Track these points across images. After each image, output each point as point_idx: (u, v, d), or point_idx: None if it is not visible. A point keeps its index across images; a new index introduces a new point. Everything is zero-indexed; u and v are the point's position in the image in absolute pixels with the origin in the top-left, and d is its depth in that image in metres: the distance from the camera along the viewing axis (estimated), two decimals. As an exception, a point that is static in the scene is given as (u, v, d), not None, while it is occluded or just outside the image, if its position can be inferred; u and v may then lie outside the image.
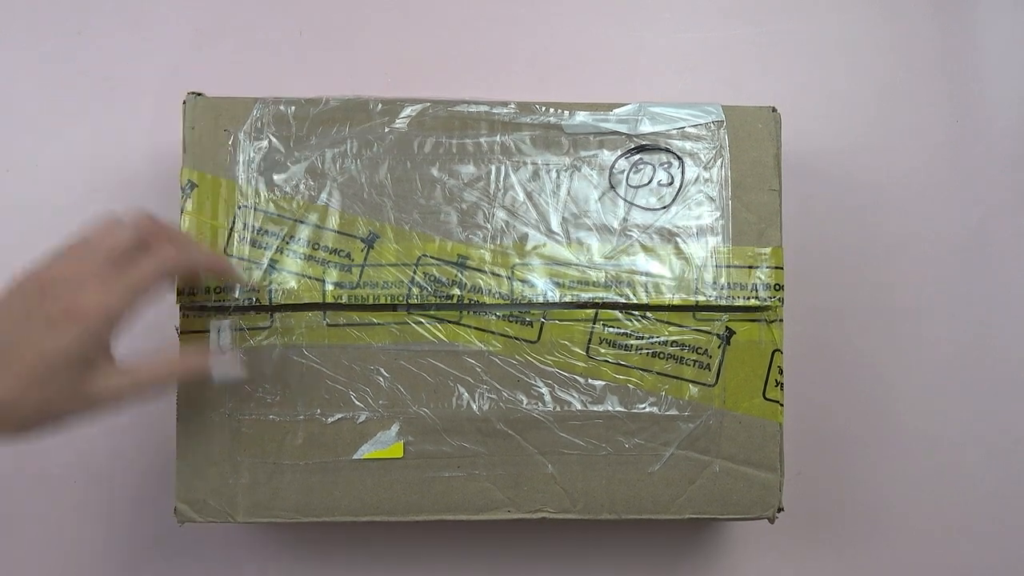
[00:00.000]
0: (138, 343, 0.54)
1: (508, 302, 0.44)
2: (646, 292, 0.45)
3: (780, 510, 0.45)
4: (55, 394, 0.34)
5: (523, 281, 0.44)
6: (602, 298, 0.44)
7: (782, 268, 0.46)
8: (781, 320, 0.45)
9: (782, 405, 0.45)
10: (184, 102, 0.45)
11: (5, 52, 0.56)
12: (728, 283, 0.45)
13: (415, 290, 0.44)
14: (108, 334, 0.36)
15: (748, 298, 0.45)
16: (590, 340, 0.44)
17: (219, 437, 0.44)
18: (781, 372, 0.45)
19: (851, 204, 0.57)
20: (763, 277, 0.45)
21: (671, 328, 0.45)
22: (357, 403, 0.44)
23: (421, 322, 0.44)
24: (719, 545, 0.56)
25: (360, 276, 0.44)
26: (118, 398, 0.37)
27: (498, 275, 0.44)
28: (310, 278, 0.44)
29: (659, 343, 0.44)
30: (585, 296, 0.44)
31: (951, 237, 0.57)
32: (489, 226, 0.45)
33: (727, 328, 0.45)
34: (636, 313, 0.45)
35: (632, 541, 0.55)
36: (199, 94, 0.46)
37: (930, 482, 0.56)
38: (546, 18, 0.58)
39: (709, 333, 0.45)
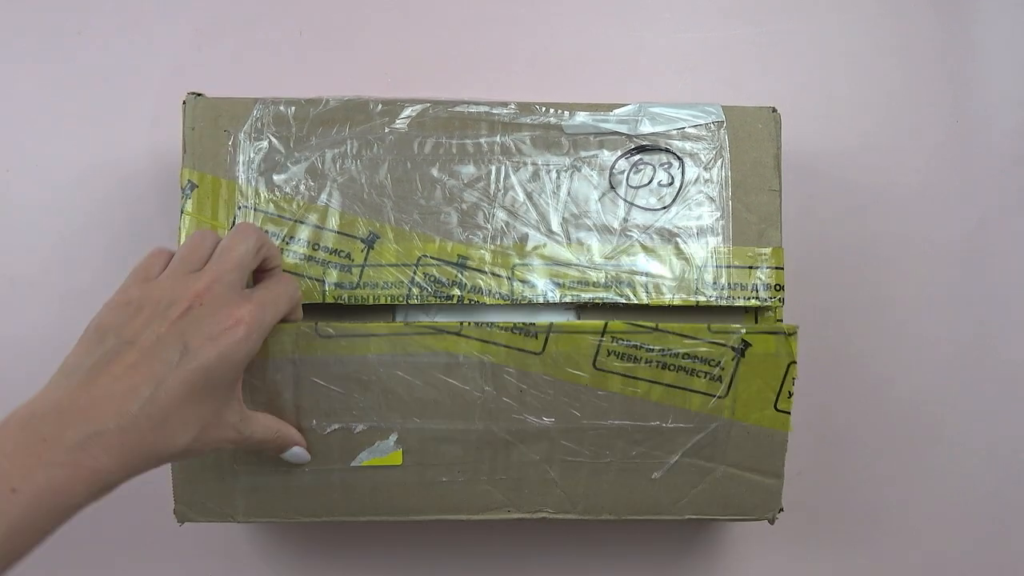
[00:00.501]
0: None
1: (508, 302, 0.44)
2: (646, 292, 0.45)
3: (780, 510, 0.45)
4: (211, 416, 0.34)
5: (523, 281, 0.44)
6: (602, 298, 0.44)
7: (782, 268, 0.46)
8: (795, 333, 0.45)
9: (790, 414, 0.45)
10: (184, 102, 0.45)
11: (5, 52, 0.56)
12: (728, 283, 0.45)
13: (415, 290, 0.44)
14: (247, 358, 0.35)
15: (748, 298, 0.45)
16: (597, 352, 0.43)
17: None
18: (794, 383, 0.45)
19: (851, 204, 0.57)
20: (763, 277, 0.45)
21: (685, 341, 0.44)
22: (354, 413, 0.43)
23: (420, 333, 0.43)
24: (719, 545, 0.56)
25: (360, 276, 0.44)
26: (240, 437, 0.36)
27: (498, 275, 0.44)
28: (310, 278, 0.44)
29: (670, 355, 0.44)
30: (586, 296, 0.44)
31: (951, 237, 0.57)
32: (489, 226, 0.45)
33: (743, 341, 0.44)
34: (646, 326, 0.44)
35: (632, 541, 0.55)
36: (199, 94, 0.46)
37: (930, 482, 0.56)
38: (546, 18, 0.58)
39: (723, 345, 0.44)
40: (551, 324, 0.43)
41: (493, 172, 0.45)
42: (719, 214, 0.46)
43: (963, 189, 0.57)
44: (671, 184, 0.46)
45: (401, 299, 0.44)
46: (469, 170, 0.45)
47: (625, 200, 0.46)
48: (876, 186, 0.57)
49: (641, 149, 0.46)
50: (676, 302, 0.45)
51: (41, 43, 0.56)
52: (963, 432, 0.56)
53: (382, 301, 0.44)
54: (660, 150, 0.46)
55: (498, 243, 0.45)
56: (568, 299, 0.44)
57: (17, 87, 0.56)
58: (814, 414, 0.55)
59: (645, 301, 0.44)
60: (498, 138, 0.46)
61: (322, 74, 0.56)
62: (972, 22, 0.59)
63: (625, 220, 0.45)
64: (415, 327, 0.43)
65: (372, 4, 0.57)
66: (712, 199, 0.46)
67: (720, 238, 0.45)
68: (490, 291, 0.44)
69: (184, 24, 0.56)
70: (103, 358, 0.31)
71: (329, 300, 0.44)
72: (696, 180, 0.46)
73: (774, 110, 0.47)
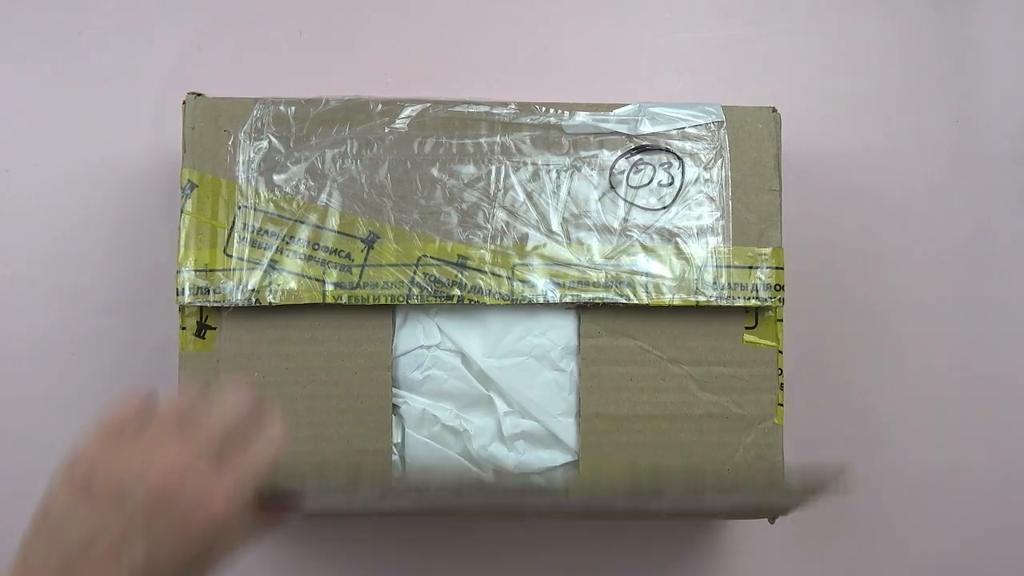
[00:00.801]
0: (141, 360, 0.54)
1: (508, 302, 0.44)
2: (646, 292, 0.45)
3: (780, 510, 0.45)
4: None
5: (523, 281, 0.44)
6: (602, 298, 0.44)
7: (782, 268, 0.46)
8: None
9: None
10: (184, 102, 0.45)
11: (5, 52, 0.56)
12: (728, 283, 0.45)
13: (415, 290, 0.44)
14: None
15: (748, 298, 0.45)
16: None
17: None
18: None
19: (851, 204, 0.57)
20: (763, 277, 0.45)
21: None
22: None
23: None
24: (719, 545, 0.56)
25: (360, 276, 0.44)
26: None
27: (498, 275, 0.44)
28: (310, 278, 0.44)
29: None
30: (586, 296, 0.44)
31: (951, 237, 0.57)
32: (489, 226, 0.45)
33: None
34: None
35: (632, 540, 0.55)
36: (199, 94, 0.46)
37: (930, 482, 0.56)
38: (546, 18, 0.58)
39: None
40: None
41: (493, 172, 0.45)
42: (719, 214, 0.46)
43: (963, 189, 0.57)
44: (671, 184, 0.46)
45: (401, 299, 0.44)
46: (469, 170, 0.45)
47: (625, 200, 0.46)
48: (876, 186, 0.57)
49: (641, 149, 0.46)
50: (676, 302, 0.45)
51: (41, 43, 0.56)
52: (963, 432, 0.56)
53: (382, 301, 0.44)
54: (660, 150, 0.46)
55: (498, 243, 0.45)
56: (568, 299, 0.44)
57: (17, 87, 0.56)
58: (814, 414, 0.55)
59: (645, 301, 0.44)
60: (498, 138, 0.46)
61: (322, 74, 0.56)
62: (972, 22, 0.59)
63: (625, 220, 0.45)
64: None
65: (372, 4, 0.57)
66: (712, 199, 0.46)
67: (720, 238, 0.45)
68: (490, 291, 0.44)
69: (184, 24, 0.56)
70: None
71: (329, 300, 0.44)
72: (696, 180, 0.46)
73: (774, 110, 0.47)
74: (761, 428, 0.45)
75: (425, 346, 0.45)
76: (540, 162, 0.46)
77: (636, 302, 0.45)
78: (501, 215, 0.45)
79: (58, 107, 0.55)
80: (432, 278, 0.44)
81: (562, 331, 0.46)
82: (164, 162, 0.54)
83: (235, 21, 0.57)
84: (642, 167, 0.46)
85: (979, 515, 0.56)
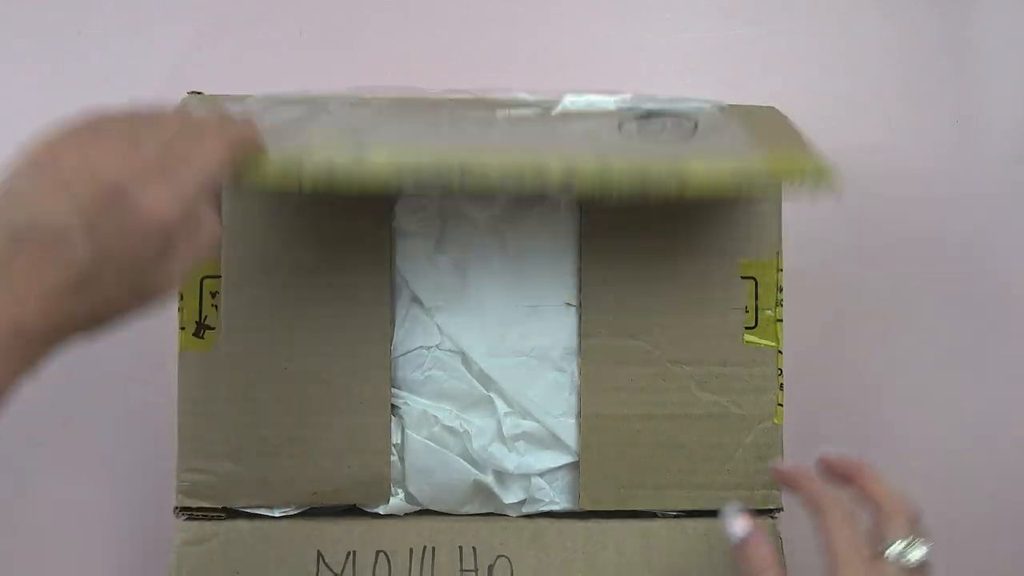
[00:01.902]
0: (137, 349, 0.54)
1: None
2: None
3: (779, 510, 0.45)
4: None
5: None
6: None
7: (782, 270, 0.46)
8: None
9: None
10: (183, 102, 0.45)
11: (5, 52, 0.56)
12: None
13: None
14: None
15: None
16: None
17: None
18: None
19: (851, 204, 0.57)
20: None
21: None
22: None
23: None
24: (718, 546, 0.55)
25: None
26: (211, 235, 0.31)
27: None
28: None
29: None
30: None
31: (951, 237, 0.57)
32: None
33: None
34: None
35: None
36: (199, 94, 0.46)
37: (930, 482, 0.56)
38: (546, 18, 0.58)
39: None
40: None
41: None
42: (719, 214, 0.46)
43: (963, 189, 0.57)
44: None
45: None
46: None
47: None
48: (876, 186, 0.57)
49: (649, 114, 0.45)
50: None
51: (41, 43, 0.56)
52: (963, 432, 0.56)
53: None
54: (669, 114, 0.45)
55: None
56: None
57: (17, 87, 0.56)
58: (814, 414, 0.55)
59: None
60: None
61: (322, 74, 0.56)
62: (972, 22, 0.59)
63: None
64: None
65: (372, 4, 0.57)
66: (712, 199, 0.46)
67: (720, 238, 0.45)
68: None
69: (184, 24, 0.56)
70: None
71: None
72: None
73: (774, 110, 0.47)
74: (761, 428, 0.45)
75: (425, 346, 0.45)
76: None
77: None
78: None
79: (58, 107, 0.55)
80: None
81: (563, 331, 0.46)
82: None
83: (235, 21, 0.57)
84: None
85: (979, 515, 0.56)
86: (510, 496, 0.45)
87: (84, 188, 0.28)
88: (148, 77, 0.56)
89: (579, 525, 0.44)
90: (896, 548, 0.34)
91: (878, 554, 0.34)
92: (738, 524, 0.37)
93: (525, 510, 0.46)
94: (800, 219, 0.56)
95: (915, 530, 0.34)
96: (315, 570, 0.43)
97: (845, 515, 0.35)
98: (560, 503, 0.46)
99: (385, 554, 0.43)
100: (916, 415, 0.56)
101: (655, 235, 0.45)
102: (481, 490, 0.45)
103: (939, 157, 0.57)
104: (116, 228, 0.28)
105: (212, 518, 0.44)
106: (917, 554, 0.34)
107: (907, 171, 0.57)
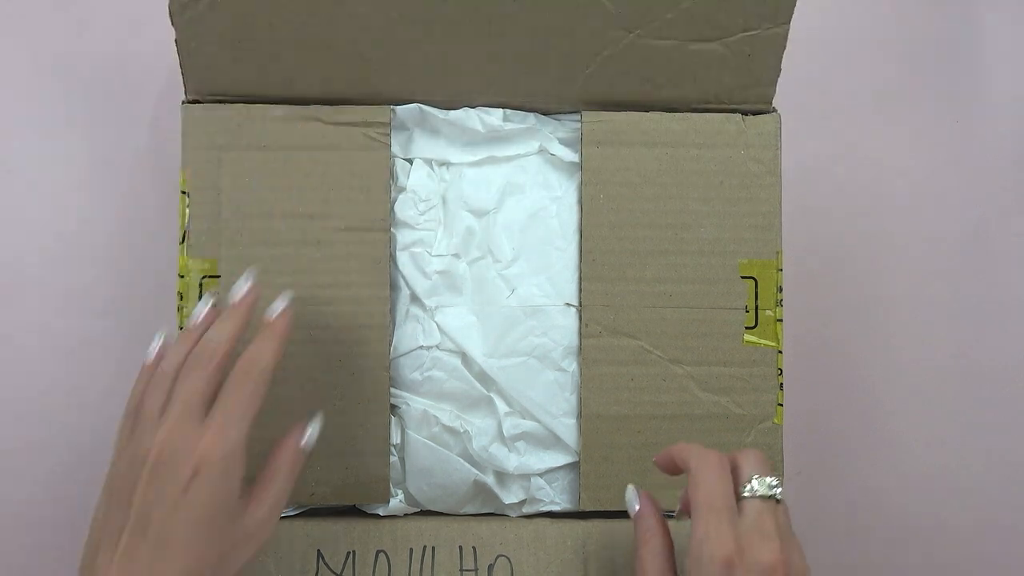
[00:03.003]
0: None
1: None
2: None
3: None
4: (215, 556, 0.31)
5: None
6: None
7: (782, 270, 0.46)
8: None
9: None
10: (183, 102, 0.45)
11: (4, 52, 0.56)
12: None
13: None
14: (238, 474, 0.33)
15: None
16: None
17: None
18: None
19: (850, 204, 0.57)
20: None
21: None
22: None
23: None
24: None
25: None
26: (266, 530, 0.34)
27: None
28: None
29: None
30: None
31: (950, 238, 0.57)
32: None
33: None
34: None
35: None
36: (197, 102, 0.46)
37: (930, 482, 0.56)
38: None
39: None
40: None
41: None
42: (719, 214, 0.46)
43: (963, 189, 0.57)
44: None
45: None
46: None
47: None
48: (876, 186, 0.57)
49: None
50: None
51: (41, 43, 0.56)
52: (963, 432, 0.56)
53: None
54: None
55: None
56: None
57: (17, 87, 0.55)
58: (814, 414, 0.55)
59: None
60: None
61: (322, 74, 0.56)
62: (972, 22, 0.59)
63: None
64: None
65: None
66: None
67: (720, 238, 0.45)
68: None
69: None
70: None
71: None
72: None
73: (774, 110, 0.47)
74: (761, 428, 0.45)
75: (425, 346, 0.45)
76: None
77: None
78: None
79: (58, 107, 0.55)
80: None
81: (563, 331, 0.46)
82: (164, 163, 0.54)
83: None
84: None
85: (979, 515, 0.56)
86: (510, 496, 0.45)
87: (136, 482, 0.32)
88: (148, 77, 0.55)
89: (579, 525, 0.44)
90: (752, 485, 0.34)
91: (741, 498, 0.34)
92: (633, 501, 0.39)
93: (525, 510, 0.46)
94: (800, 219, 0.56)
95: (765, 468, 0.35)
96: (315, 570, 0.43)
97: (711, 465, 0.34)
98: (560, 503, 0.46)
99: (385, 554, 0.43)
100: (916, 415, 0.56)
101: (655, 234, 0.45)
102: (481, 490, 0.45)
103: (939, 157, 0.57)
104: (166, 494, 0.31)
105: None
106: (770, 482, 0.34)
107: (907, 171, 0.57)
